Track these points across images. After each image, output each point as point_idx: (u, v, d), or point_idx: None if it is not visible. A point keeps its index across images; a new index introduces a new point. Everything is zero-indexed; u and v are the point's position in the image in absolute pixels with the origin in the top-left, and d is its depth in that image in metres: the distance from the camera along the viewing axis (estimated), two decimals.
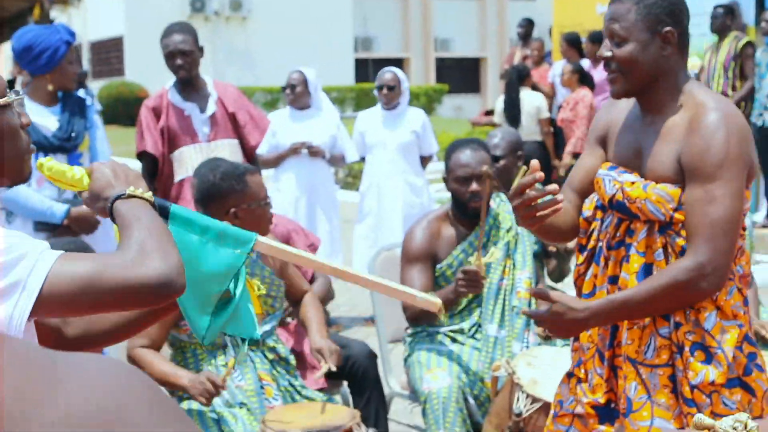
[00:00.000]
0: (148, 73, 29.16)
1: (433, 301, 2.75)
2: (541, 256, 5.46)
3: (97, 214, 5.08)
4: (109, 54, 34.57)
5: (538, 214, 2.94)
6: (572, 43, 11.68)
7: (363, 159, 8.34)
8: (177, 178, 5.96)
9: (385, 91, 7.98)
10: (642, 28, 2.98)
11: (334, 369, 4.10)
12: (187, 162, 5.89)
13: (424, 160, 8.22)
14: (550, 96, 11.99)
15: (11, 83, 18.93)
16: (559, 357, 4.51)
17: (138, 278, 1.81)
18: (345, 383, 4.73)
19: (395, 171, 8.00)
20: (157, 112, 5.99)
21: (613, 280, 3.08)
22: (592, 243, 3.17)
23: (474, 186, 4.59)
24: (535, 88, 11.37)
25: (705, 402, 2.97)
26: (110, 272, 1.79)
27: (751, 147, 2.97)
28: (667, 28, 2.98)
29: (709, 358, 2.95)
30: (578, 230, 3.27)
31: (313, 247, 5.54)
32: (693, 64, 10.40)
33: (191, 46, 5.81)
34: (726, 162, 2.88)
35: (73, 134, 5.19)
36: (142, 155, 6.05)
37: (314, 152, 7.59)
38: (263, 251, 2.58)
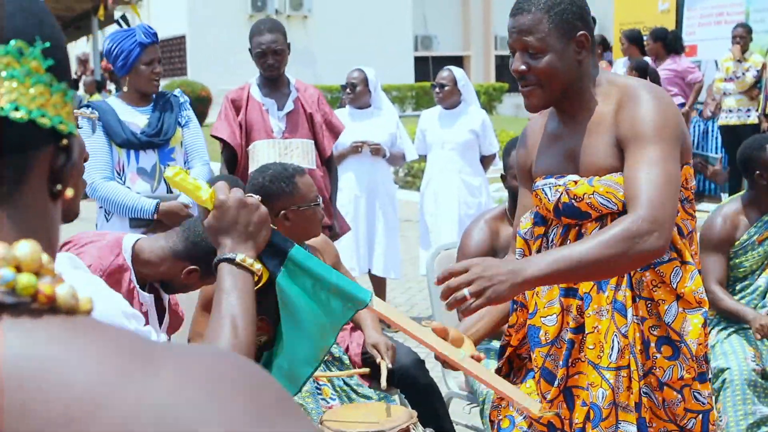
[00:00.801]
0: (210, 72, 29.38)
1: (533, 407, 2.62)
2: None
3: (187, 210, 5.16)
4: (172, 53, 34.86)
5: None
6: (633, 40, 11.58)
7: (425, 157, 8.35)
8: (250, 171, 6.02)
9: (437, 89, 7.99)
10: (557, 37, 2.89)
11: (389, 366, 4.11)
12: (260, 156, 5.94)
13: (486, 160, 8.18)
14: None
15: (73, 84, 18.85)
16: None
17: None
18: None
19: (452, 170, 7.99)
20: (236, 105, 6.07)
21: (571, 292, 2.95)
22: None
23: None
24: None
25: (676, 398, 2.89)
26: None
27: (683, 124, 2.89)
28: (581, 33, 2.92)
29: (676, 352, 2.85)
30: None
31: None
32: (756, 61, 10.26)
33: (282, 45, 5.90)
34: (662, 129, 2.79)
35: (163, 130, 5.27)
36: (223, 148, 6.12)
37: (375, 150, 7.60)
38: (377, 313, 2.40)
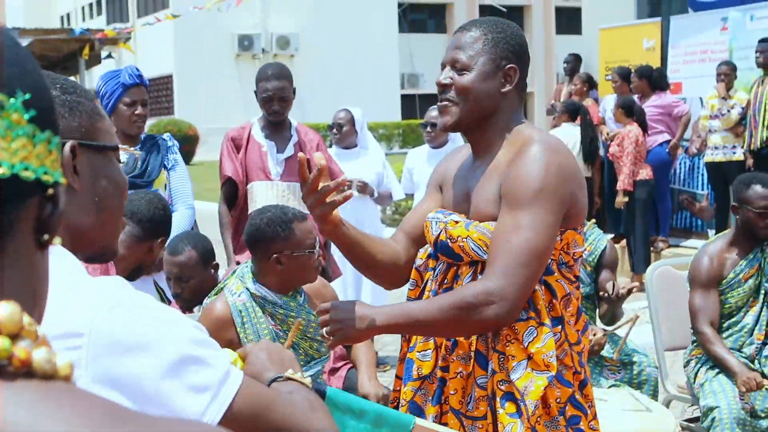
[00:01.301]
0: (197, 110, 29.46)
1: None
2: (593, 299, 5.44)
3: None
4: (159, 92, 34.96)
5: (327, 199, 2.81)
6: (624, 77, 11.65)
7: (411, 196, 8.34)
8: (249, 211, 6.01)
9: (428, 128, 7.95)
10: (486, 60, 2.91)
11: None
12: (257, 197, 5.94)
13: None
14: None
15: None
16: (605, 396, 4.48)
17: (305, 428, 1.81)
18: None
19: None
20: (236, 143, 6.06)
21: None
22: (426, 294, 3.02)
23: None
24: (588, 123, 11.35)
25: None
26: (287, 412, 1.78)
27: (575, 186, 2.83)
28: (511, 65, 2.92)
29: (519, 410, 2.78)
30: (404, 275, 3.16)
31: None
32: (740, 98, 10.32)
33: (288, 92, 5.91)
34: (539, 192, 2.74)
35: (147, 172, 5.27)
36: (224, 183, 6.09)
37: (362, 188, 7.58)
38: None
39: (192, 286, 4.50)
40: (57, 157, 0.98)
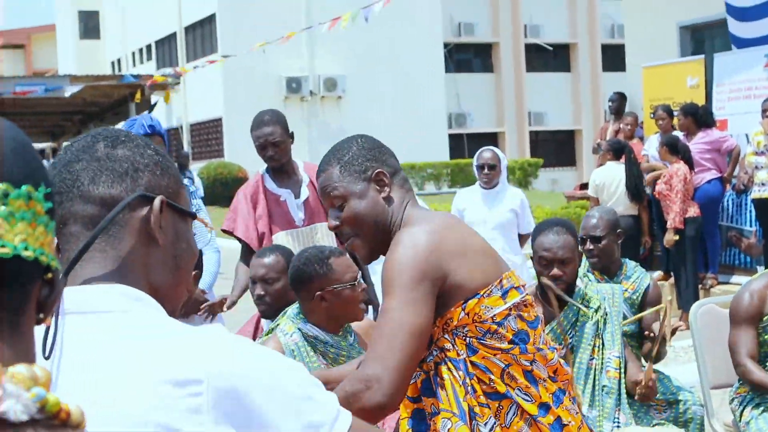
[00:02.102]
0: (247, 153, 29.65)
1: None
2: (637, 337, 5.47)
3: (204, 295, 5.26)
4: (209, 135, 35.29)
5: None
6: (670, 115, 11.68)
7: None
8: None
9: (486, 170, 8.00)
10: (353, 181, 2.97)
11: None
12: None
13: (523, 238, 8.20)
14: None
15: None
16: None
17: None
18: None
19: (495, 249, 7.98)
20: (254, 199, 6.04)
21: None
22: None
23: (555, 270, 4.62)
24: (633, 162, 11.36)
25: None
26: None
27: (444, 258, 2.81)
28: (377, 170, 2.99)
29: None
30: None
31: None
32: (759, 141, 10.33)
33: (281, 137, 5.84)
34: (397, 274, 2.77)
35: None
36: (230, 234, 6.15)
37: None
38: None
39: (276, 290, 4.59)
40: (52, 240, 1.11)
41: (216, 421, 1.55)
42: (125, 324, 1.62)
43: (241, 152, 30.50)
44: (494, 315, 2.84)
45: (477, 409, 2.84)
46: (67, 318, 1.60)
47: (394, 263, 2.79)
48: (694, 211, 10.61)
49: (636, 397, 4.69)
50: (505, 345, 2.86)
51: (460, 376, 2.84)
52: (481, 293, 2.84)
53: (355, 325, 4.27)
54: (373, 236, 2.97)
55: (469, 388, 2.85)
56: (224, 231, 6.10)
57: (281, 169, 5.98)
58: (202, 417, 1.55)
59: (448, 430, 2.80)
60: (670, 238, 10.66)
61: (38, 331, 1.28)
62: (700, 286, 10.96)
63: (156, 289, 1.76)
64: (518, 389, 2.86)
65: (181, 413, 1.54)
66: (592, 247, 5.54)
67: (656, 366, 5.30)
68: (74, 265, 1.65)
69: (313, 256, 4.08)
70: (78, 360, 1.58)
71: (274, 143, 5.82)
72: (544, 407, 2.90)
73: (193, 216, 1.85)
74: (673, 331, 5.13)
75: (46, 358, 1.51)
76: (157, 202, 1.73)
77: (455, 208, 8.31)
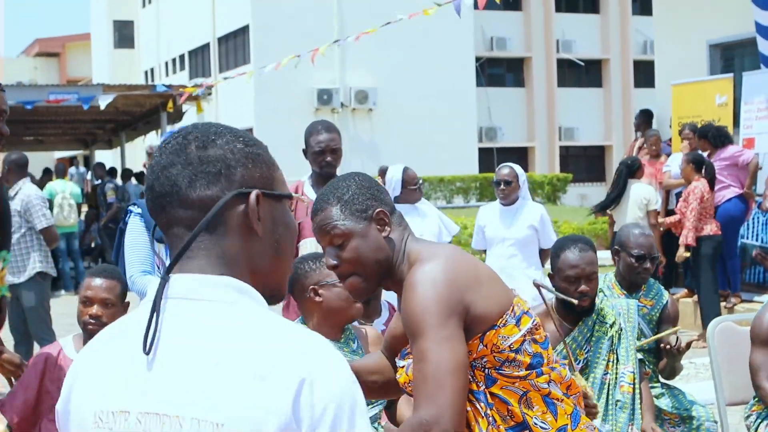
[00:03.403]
0: (277, 163, 29.82)
1: None
2: (655, 353, 5.50)
3: None
4: None
5: None
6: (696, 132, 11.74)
7: (484, 252, 8.44)
8: None
9: (502, 186, 8.03)
10: (354, 220, 2.95)
11: None
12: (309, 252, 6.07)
13: (544, 253, 8.20)
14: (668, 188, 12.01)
15: (142, 175, 19.36)
16: None
17: None
18: None
19: (514, 266, 8.00)
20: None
21: None
22: None
23: (583, 286, 4.66)
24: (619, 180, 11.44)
25: None
26: None
27: (462, 293, 2.83)
28: (378, 209, 2.98)
29: None
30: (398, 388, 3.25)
31: None
32: None
33: (339, 144, 6.00)
34: (423, 317, 2.78)
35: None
36: None
37: None
38: None
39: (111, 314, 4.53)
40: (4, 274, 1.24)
41: (296, 420, 1.63)
42: (229, 315, 1.72)
43: None
44: (511, 344, 2.89)
45: None
46: (173, 302, 1.73)
47: (417, 304, 2.79)
48: (711, 229, 10.60)
49: None
50: (522, 372, 2.91)
51: (481, 408, 2.88)
52: (498, 324, 2.88)
53: (364, 335, 4.31)
54: (375, 275, 2.98)
55: (491, 419, 2.89)
56: None
57: (331, 176, 6.08)
58: (287, 416, 1.63)
59: None
60: (680, 254, 10.68)
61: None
62: (723, 304, 10.95)
63: (261, 276, 1.84)
64: (535, 418, 2.91)
65: (268, 409, 1.62)
66: (649, 266, 5.55)
67: (673, 381, 5.33)
68: (175, 265, 1.76)
69: (308, 257, 4.16)
70: (179, 343, 1.70)
71: (333, 150, 5.96)
72: (562, 431, 2.95)
73: (290, 197, 1.92)
74: (688, 345, 5.15)
75: (148, 349, 1.67)
76: (252, 196, 1.81)
77: (477, 224, 8.37)
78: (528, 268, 8.00)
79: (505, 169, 8.09)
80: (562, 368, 3.01)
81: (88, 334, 4.35)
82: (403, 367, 3.03)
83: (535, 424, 2.91)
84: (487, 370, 2.88)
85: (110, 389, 1.73)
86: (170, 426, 1.66)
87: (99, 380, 1.76)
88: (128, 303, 4.47)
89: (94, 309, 4.38)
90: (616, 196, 11.37)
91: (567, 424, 2.95)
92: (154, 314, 1.71)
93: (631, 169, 11.38)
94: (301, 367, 1.65)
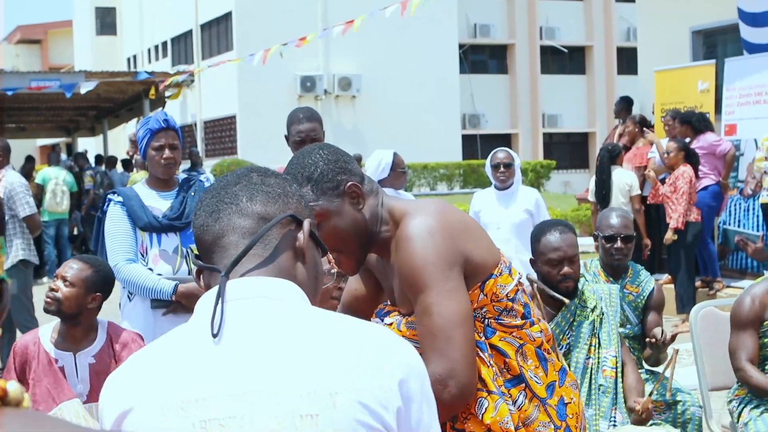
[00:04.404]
0: (260, 151, 29.75)
1: None
2: (640, 339, 5.51)
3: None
4: (222, 133, 35.38)
5: None
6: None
7: None
8: None
9: (502, 168, 8.01)
10: (328, 199, 2.85)
11: None
12: None
13: None
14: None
15: (127, 163, 19.22)
16: None
17: None
18: None
19: (509, 250, 7.95)
20: None
21: None
22: None
23: (566, 268, 4.68)
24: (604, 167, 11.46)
25: None
26: None
27: (459, 243, 2.81)
28: (349, 183, 2.87)
29: None
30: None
31: None
32: None
33: (320, 134, 5.97)
34: (424, 269, 2.75)
35: (184, 213, 5.40)
36: None
37: None
38: None
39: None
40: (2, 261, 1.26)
41: (402, 396, 1.77)
42: (304, 308, 1.83)
43: (254, 150, 30.62)
44: (508, 292, 2.89)
45: (503, 389, 2.88)
46: (238, 303, 1.80)
47: (416, 258, 2.76)
48: (694, 216, 10.67)
49: (631, 422, 4.71)
50: (518, 321, 2.91)
51: (486, 357, 2.86)
52: (495, 273, 2.88)
53: None
54: (357, 249, 2.90)
55: (495, 369, 2.89)
56: None
57: None
58: (383, 404, 1.74)
59: (486, 408, 2.82)
60: (669, 236, 10.71)
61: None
62: (707, 290, 11.01)
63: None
64: (530, 371, 2.92)
65: (377, 384, 1.74)
66: (622, 245, 5.57)
67: (656, 368, 5.34)
68: (235, 266, 1.86)
69: None
70: (254, 337, 1.77)
71: (314, 139, 5.94)
72: (551, 388, 2.96)
73: (326, 251, 2.06)
74: (673, 337, 5.17)
75: (214, 336, 1.75)
76: (306, 224, 1.95)
77: (472, 209, 8.34)
78: (521, 253, 7.92)
79: (501, 153, 8.08)
80: (541, 322, 3.01)
81: (45, 311, 4.38)
82: (392, 324, 2.98)
83: (530, 377, 2.91)
84: (486, 320, 2.88)
85: (187, 380, 1.76)
86: (267, 401, 1.71)
87: (172, 373, 1.78)
88: (98, 296, 4.43)
89: (53, 284, 4.38)
90: (600, 184, 11.39)
91: (555, 381, 2.97)
92: (220, 301, 1.80)
93: (612, 155, 11.42)
94: (398, 349, 1.81)
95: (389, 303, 3.10)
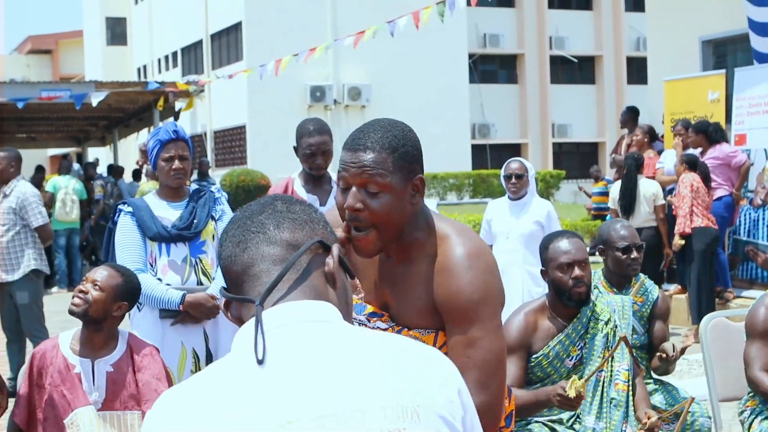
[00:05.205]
0: (269, 160, 29.77)
1: None
2: (647, 348, 5.51)
3: (213, 301, 5.32)
4: (232, 142, 35.41)
5: None
6: (688, 129, 11.75)
7: (490, 247, 8.42)
8: None
9: (513, 180, 8.03)
10: (399, 179, 2.78)
11: None
12: None
13: None
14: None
15: (136, 173, 19.30)
16: None
17: None
18: None
19: (516, 260, 7.97)
20: None
21: None
22: None
23: (577, 272, 4.68)
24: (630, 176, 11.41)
25: None
26: None
27: (498, 277, 2.88)
28: (418, 176, 2.84)
29: None
30: None
31: None
32: None
33: (330, 146, 5.98)
34: (480, 303, 2.79)
35: (193, 224, 5.43)
36: None
37: None
38: None
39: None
40: None
41: (462, 404, 1.84)
42: (352, 331, 1.83)
43: (263, 160, 30.62)
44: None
45: None
46: (284, 329, 1.79)
47: (477, 291, 2.81)
48: (702, 221, 10.60)
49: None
50: None
51: None
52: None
53: None
54: (389, 238, 2.83)
55: None
56: None
57: (321, 177, 6.09)
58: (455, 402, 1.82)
59: None
60: (676, 242, 10.69)
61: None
62: (717, 300, 10.97)
63: None
64: None
65: (446, 397, 1.81)
66: (637, 255, 5.55)
67: (666, 378, 5.34)
68: (270, 292, 1.85)
69: None
70: (316, 361, 1.75)
71: (324, 152, 5.95)
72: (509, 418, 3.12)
73: (353, 276, 2.05)
74: (683, 350, 5.16)
75: (260, 362, 1.72)
76: (335, 248, 1.95)
77: (485, 218, 8.36)
78: (532, 265, 7.86)
79: (515, 163, 8.11)
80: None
81: (71, 312, 4.37)
82: (387, 330, 2.97)
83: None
84: None
85: (269, 407, 1.70)
86: (353, 421, 1.70)
87: (242, 403, 1.71)
88: (124, 304, 4.44)
89: (83, 286, 4.39)
90: (627, 193, 11.34)
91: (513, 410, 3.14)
92: (259, 327, 1.77)
93: (638, 164, 11.38)
94: (447, 360, 1.88)
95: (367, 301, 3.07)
